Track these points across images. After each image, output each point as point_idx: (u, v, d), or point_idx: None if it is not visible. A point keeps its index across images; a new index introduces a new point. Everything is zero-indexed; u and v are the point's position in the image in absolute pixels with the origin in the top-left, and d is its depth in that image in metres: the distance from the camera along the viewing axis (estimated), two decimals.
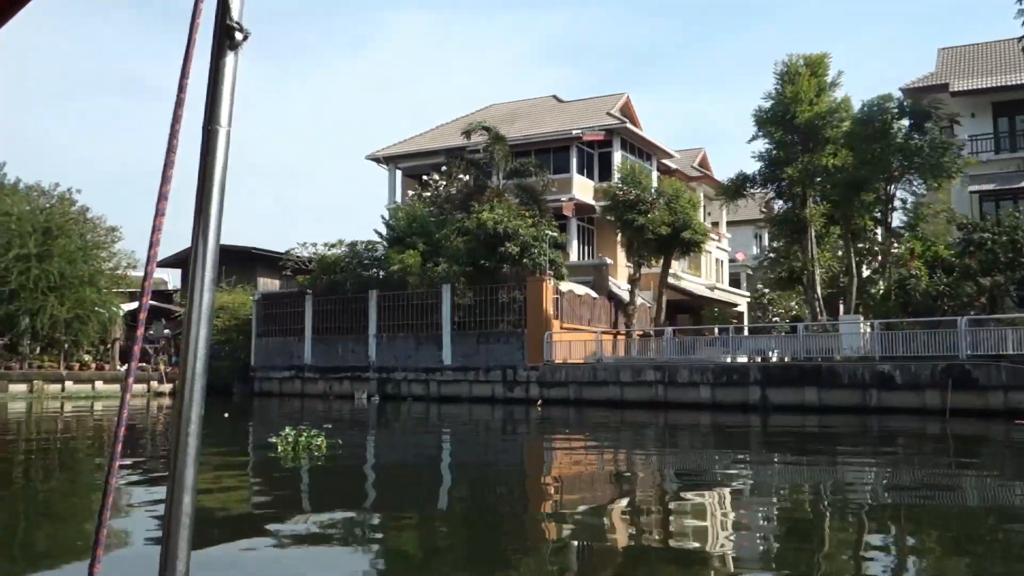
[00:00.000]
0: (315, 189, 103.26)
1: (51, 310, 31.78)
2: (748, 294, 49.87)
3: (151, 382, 35.31)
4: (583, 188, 37.25)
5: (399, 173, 43.36)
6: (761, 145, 27.31)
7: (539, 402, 26.69)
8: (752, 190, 28.58)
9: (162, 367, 35.84)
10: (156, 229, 1.52)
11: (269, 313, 36.39)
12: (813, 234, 27.18)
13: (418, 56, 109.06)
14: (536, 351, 28.15)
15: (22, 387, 31.29)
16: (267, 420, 23.70)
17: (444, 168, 36.51)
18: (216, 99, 1.60)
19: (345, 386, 33.14)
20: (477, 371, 29.50)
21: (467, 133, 33.91)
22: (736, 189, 28.53)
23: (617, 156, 38.09)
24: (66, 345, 33.11)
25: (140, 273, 36.99)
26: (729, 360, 25.68)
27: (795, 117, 25.61)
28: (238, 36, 1.60)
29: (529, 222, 29.84)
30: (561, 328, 28.92)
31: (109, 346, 35.02)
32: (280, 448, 12.90)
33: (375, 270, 33.90)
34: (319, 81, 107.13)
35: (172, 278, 53.02)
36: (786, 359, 24.36)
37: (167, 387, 35.52)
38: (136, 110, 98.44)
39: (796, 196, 26.51)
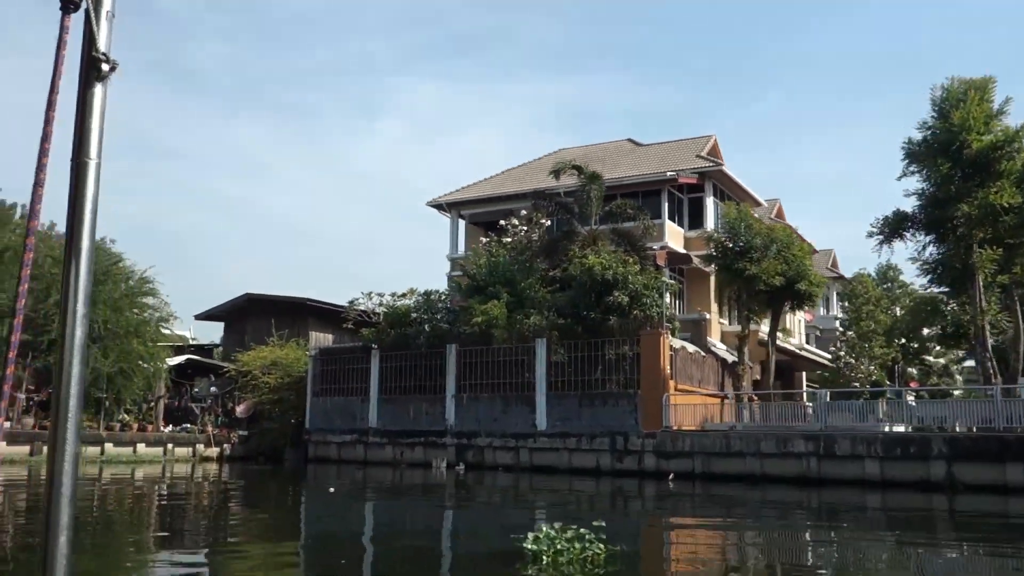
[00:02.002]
0: (336, 248, 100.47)
1: (93, 363, 28.33)
2: (829, 356, 46.33)
3: (197, 445, 31.67)
4: (674, 236, 33.99)
5: (462, 221, 40.22)
6: (915, 182, 24.06)
7: (671, 476, 23.00)
8: (909, 232, 25.09)
9: (209, 428, 32.23)
10: (25, 265, 1.71)
11: (328, 370, 32.89)
12: (981, 283, 23.71)
13: (430, 121, 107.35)
14: (653, 415, 24.53)
15: None
16: (388, 497, 20.02)
17: (523, 212, 33.36)
18: (85, 131, 1.64)
19: (417, 453, 29.46)
20: (579, 438, 25.83)
21: (556, 173, 30.80)
22: (894, 229, 25.09)
23: (709, 201, 34.93)
24: (107, 403, 29.59)
25: (170, 330, 33.75)
26: (889, 428, 22.04)
27: (964, 147, 22.38)
28: (104, 67, 1.63)
29: (636, 269, 26.50)
30: (676, 390, 25.36)
31: (152, 404, 31.47)
32: (537, 554, 8.87)
33: (452, 323, 30.45)
34: (335, 143, 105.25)
35: (207, 332, 49.66)
36: (973, 428, 20.71)
37: (214, 451, 31.87)
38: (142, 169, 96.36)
39: (961, 239, 23.08)
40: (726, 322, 35.35)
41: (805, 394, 23.70)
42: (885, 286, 62.62)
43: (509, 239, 31.93)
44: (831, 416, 23.52)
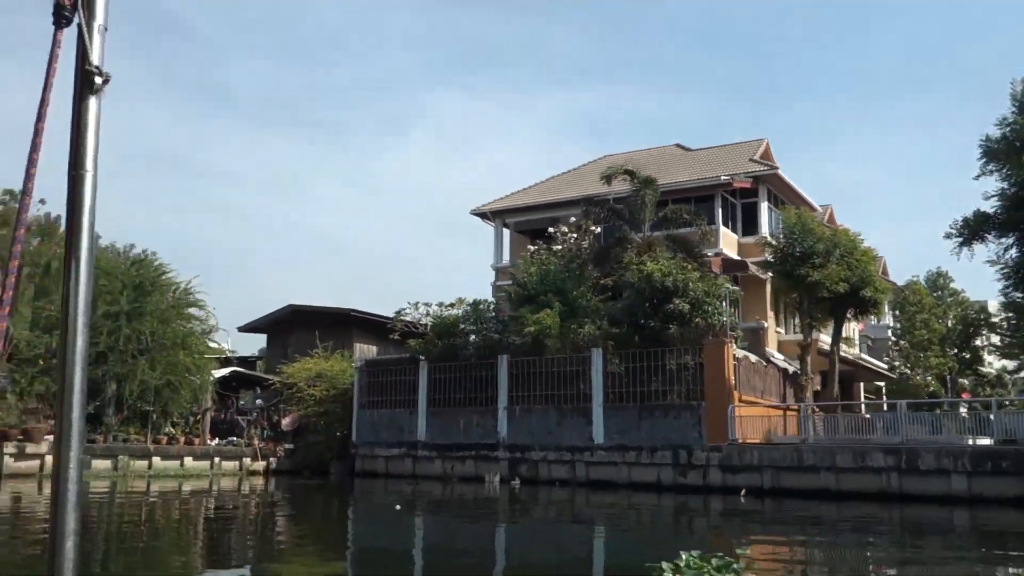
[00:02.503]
0: (367, 262, 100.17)
1: (141, 375, 27.89)
2: (884, 365, 45.02)
3: (243, 459, 31.10)
4: (728, 242, 33.03)
5: (506, 230, 39.49)
6: (994, 182, 22.97)
7: (742, 492, 21.99)
8: (989, 234, 23.97)
9: (256, 442, 31.66)
10: (11, 272, 1.76)
11: (374, 382, 32.21)
12: None
13: (458, 134, 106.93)
14: (717, 428, 23.56)
15: (106, 463, 27.21)
16: (457, 514, 19.22)
17: (572, 219, 32.56)
18: (80, 143, 1.65)
19: (468, 466, 28.66)
20: (639, 451, 24.90)
21: (607, 178, 29.98)
22: (974, 231, 23.97)
23: (764, 207, 33.92)
24: (154, 415, 29.11)
25: (216, 343, 33.22)
26: (973, 442, 20.92)
27: None
28: (98, 81, 1.65)
29: (695, 275, 25.57)
30: (740, 401, 24.37)
31: (199, 417, 30.96)
32: None
33: (501, 333, 29.66)
34: (365, 158, 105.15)
35: (247, 344, 49.35)
36: None
37: (261, 464, 31.29)
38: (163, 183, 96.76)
39: None
40: (782, 331, 34.28)
41: (903, 403, 22.52)
42: (936, 294, 61.07)
43: (559, 246, 31.12)
44: (903, 428, 22.40)
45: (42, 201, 46.24)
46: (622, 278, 27.85)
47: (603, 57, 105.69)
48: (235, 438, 32.06)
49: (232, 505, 20.66)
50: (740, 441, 23.55)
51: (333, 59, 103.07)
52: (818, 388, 31.19)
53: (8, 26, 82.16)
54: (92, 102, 1.66)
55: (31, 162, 1.58)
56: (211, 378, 31.17)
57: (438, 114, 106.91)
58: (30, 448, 25.59)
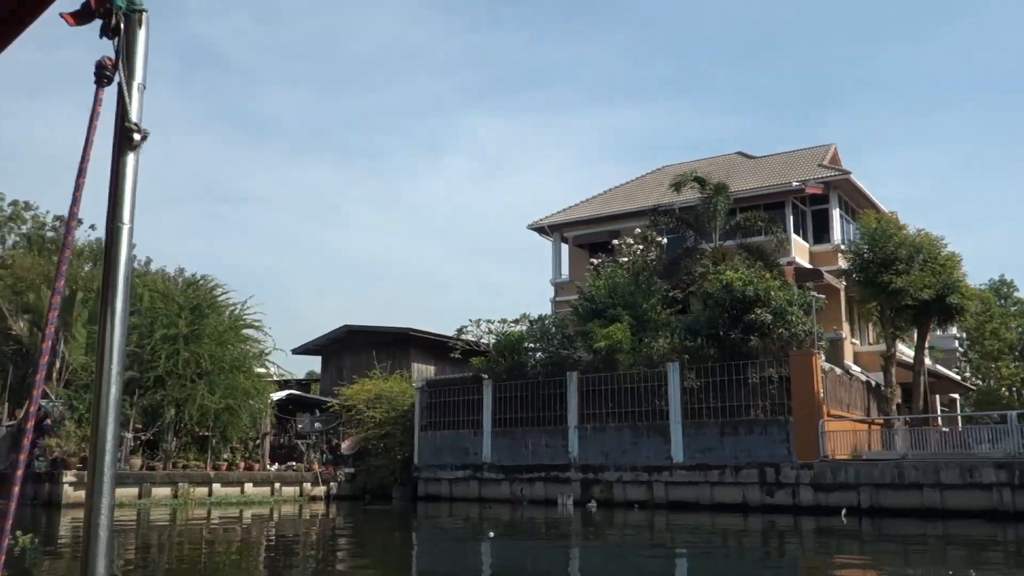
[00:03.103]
0: (408, 284, 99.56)
1: (201, 399, 27.18)
2: (957, 376, 43.22)
3: (303, 484, 30.25)
4: (800, 250, 31.68)
5: (564, 245, 38.46)
6: None
7: (843, 511, 20.65)
8: None
9: (315, 466, 30.80)
10: (51, 323, 1.87)
11: (436, 403, 31.26)
12: None
13: (496, 156, 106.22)
14: (807, 444, 22.24)
15: (166, 491, 26.50)
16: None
17: (637, 231, 31.47)
18: (118, 197, 1.67)
19: (537, 489, 27.55)
20: (721, 470, 23.65)
21: (676, 186, 28.88)
22: None
23: (835, 213, 32.56)
24: (213, 441, 28.38)
25: (275, 364, 32.39)
26: None
27: None
28: (136, 137, 1.69)
29: (776, 284, 24.35)
30: (828, 415, 23.03)
31: (258, 442, 30.18)
32: None
33: (568, 349, 28.58)
34: (402, 182, 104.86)
35: (297, 367, 48.81)
36: None
37: (321, 490, 30.41)
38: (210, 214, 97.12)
39: None
40: (857, 342, 32.82)
41: (1013, 415, 21.07)
42: (1000, 302, 59.02)
43: (625, 258, 30.02)
44: (1015, 440, 20.91)
45: (92, 227, 46.26)
46: (695, 289, 26.73)
47: (638, 75, 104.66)
48: (294, 463, 31.23)
49: (294, 532, 19.75)
50: (831, 458, 22.21)
51: (369, 85, 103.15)
52: (899, 401, 29.67)
53: (55, 61, 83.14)
54: (130, 158, 1.70)
55: (71, 215, 1.62)
56: (270, 401, 30.39)
57: (475, 137, 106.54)
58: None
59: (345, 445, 31.99)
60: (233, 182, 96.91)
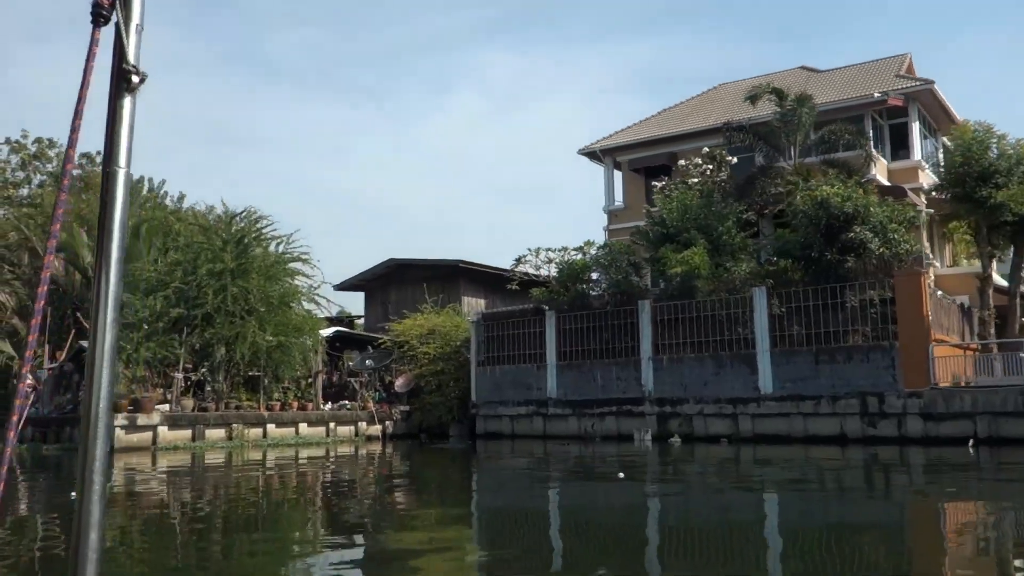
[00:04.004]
0: (421, 226, 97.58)
1: (252, 336, 25.69)
2: None
3: (359, 423, 28.91)
4: (879, 167, 29.56)
5: (618, 173, 36.44)
6: None
7: (970, 441, 19.02)
8: None
9: (370, 404, 29.41)
10: (46, 267, 1.68)
11: (493, 336, 29.69)
12: None
13: (506, 93, 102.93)
14: (916, 371, 20.52)
15: (220, 432, 25.17)
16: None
17: (705, 150, 29.44)
18: (114, 141, 1.64)
19: (608, 423, 26.08)
20: (816, 401, 22.02)
21: (752, 99, 26.80)
22: None
23: (915, 127, 30.36)
24: (265, 380, 26.98)
25: (326, 299, 30.71)
26: None
27: None
28: (134, 79, 1.64)
29: (875, 199, 22.41)
30: (934, 340, 21.26)
31: (311, 381, 28.78)
32: None
33: (638, 277, 26.86)
34: (412, 121, 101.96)
35: (345, 303, 47.35)
36: None
37: (377, 429, 29.08)
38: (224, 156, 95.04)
39: None
40: (937, 264, 30.87)
41: None
42: None
43: (696, 179, 28.05)
44: None
45: None
46: (771, 210, 24.85)
47: (650, 4, 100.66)
48: (347, 402, 29.87)
49: (353, 472, 18.28)
50: (940, 385, 20.52)
51: (376, 23, 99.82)
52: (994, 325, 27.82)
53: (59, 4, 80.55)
54: (127, 101, 1.64)
55: (68, 158, 1.59)
56: (321, 338, 28.91)
57: (486, 74, 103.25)
58: (141, 419, 23.63)
59: (399, 382, 30.58)
60: (244, 125, 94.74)
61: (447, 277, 34.76)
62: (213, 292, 25.39)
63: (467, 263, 34.21)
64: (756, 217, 27.36)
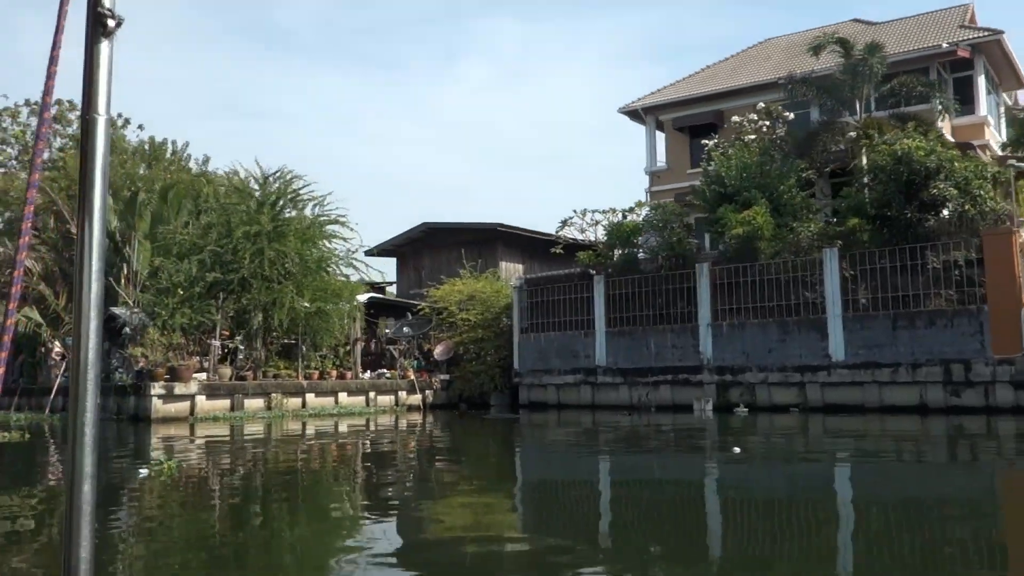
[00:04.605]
0: (434, 198, 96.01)
1: (290, 302, 24.54)
2: None
3: (399, 392, 27.83)
4: (944, 124, 28.06)
5: (660, 134, 35.01)
6: None
7: None
8: None
9: (410, 373, 28.31)
10: (27, 218, 1.63)
11: (537, 302, 28.49)
12: None
13: (515, 62, 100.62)
14: (1007, 337, 19.23)
15: (258, 402, 24.12)
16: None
17: (761, 105, 28.00)
18: (92, 87, 1.59)
19: (663, 393, 24.92)
20: (893, 368, 20.78)
21: (815, 50, 25.27)
22: None
23: (980, 81, 28.80)
24: (303, 348, 25.87)
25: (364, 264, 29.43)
26: None
27: None
28: (111, 23, 1.59)
29: (956, 154, 21.01)
30: None
31: (350, 348, 27.65)
32: None
33: (693, 238, 25.57)
34: (422, 91, 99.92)
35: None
36: None
37: (417, 398, 27.98)
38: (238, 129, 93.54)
39: None
40: None
41: None
42: None
43: (753, 136, 26.62)
44: None
45: (140, 127, 43.31)
46: (835, 167, 23.46)
47: None
48: (385, 371, 28.77)
49: (397, 445, 17.17)
50: None
51: None
52: None
53: None
54: (104, 46, 1.59)
55: (44, 106, 1.57)
56: (359, 304, 27.75)
57: (494, 42, 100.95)
58: (179, 388, 22.58)
59: (438, 350, 29.43)
60: (255, 97, 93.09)
61: (484, 241, 33.52)
62: (250, 256, 24.21)
63: (506, 226, 32.93)
64: (816, 176, 26.01)
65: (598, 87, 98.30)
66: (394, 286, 37.32)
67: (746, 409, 22.22)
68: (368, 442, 17.59)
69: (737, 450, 11.55)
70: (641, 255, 26.56)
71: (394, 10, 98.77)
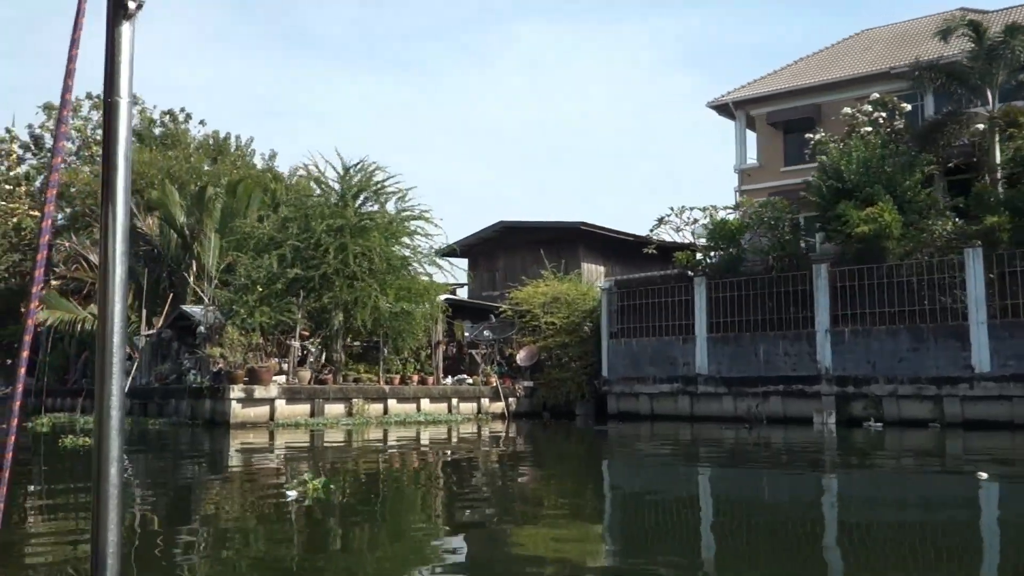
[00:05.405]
0: (470, 204, 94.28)
1: (374, 302, 22.97)
2: None
3: (481, 399, 26.16)
4: None
5: (750, 132, 33.11)
6: None
7: None
8: None
9: (493, 380, 26.61)
10: (49, 201, 1.62)
11: (628, 305, 26.68)
12: None
13: (546, 68, 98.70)
14: None
15: (339, 408, 22.55)
16: None
17: (875, 96, 26.02)
18: (114, 71, 1.59)
19: (773, 404, 22.99)
20: None
21: (943, 34, 23.25)
22: None
23: None
24: (385, 351, 24.28)
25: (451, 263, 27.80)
26: None
27: None
28: (131, 5, 1.58)
29: None
30: None
31: (431, 351, 26.01)
32: None
33: (805, 238, 23.64)
34: (456, 95, 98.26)
35: None
36: None
37: (499, 406, 26.27)
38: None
39: None
40: None
41: None
42: None
43: (869, 128, 24.62)
44: None
45: (202, 122, 42.21)
46: (963, 161, 21.43)
47: None
48: (466, 376, 27.10)
49: (481, 457, 15.45)
50: None
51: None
52: None
53: None
54: (126, 28, 1.59)
55: (65, 88, 1.52)
56: (442, 305, 26.13)
57: (529, 46, 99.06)
58: (258, 392, 21.08)
59: (521, 355, 27.70)
60: (285, 99, 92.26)
61: (565, 241, 31.79)
62: (333, 251, 22.68)
63: (589, 225, 31.17)
64: (938, 171, 24.01)
65: (632, 88, 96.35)
66: (464, 288, 35.71)
67: (879, 424, 20.19)
68: (479, 455, 15.88)
69: (983, 476, 9.62)
70: (752, 256, 24.66)
71: (428, 14, 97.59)
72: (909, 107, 25.58)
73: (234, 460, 14.44)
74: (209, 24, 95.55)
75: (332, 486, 8.18)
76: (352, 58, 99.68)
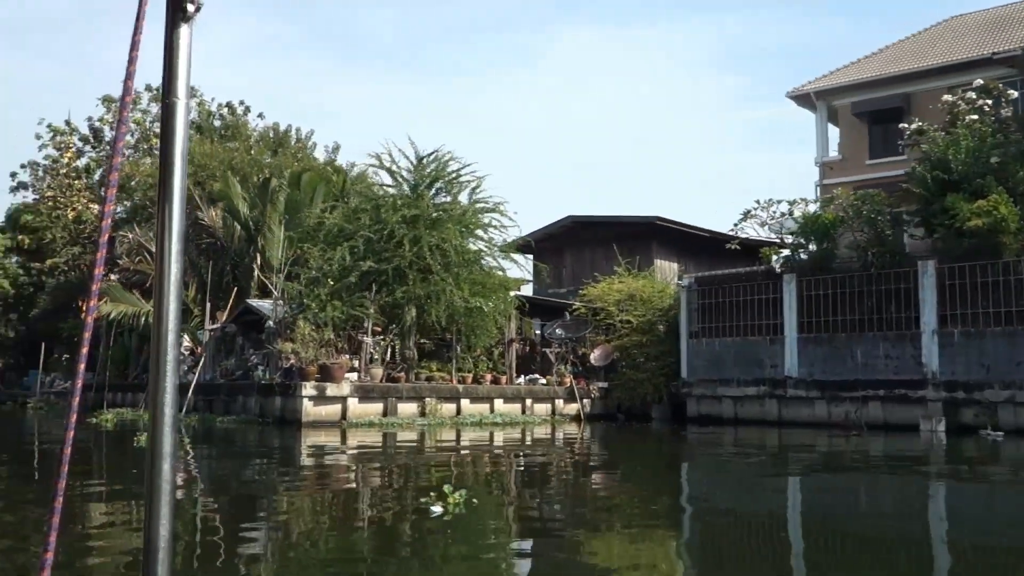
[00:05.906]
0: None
1: (449, 297, 21.93)
2: None
3: (555, 400, 25.01)
4: None
5: (831, 126, 31.57)
6: None
7: None
8: None
9: (567, 380, 25.44)
10: (109, 201, 1.53)
11: (710, 303, 25.33)
12: None
13: (588, 70, 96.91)
14: None
15: (412, 407, 21.53)
16: None
17: (978, 82, 24.45)
18: (172, 72, 1.57)
19: (872, 410, 21.52)
20: None
21: None
22: None
23: None
24: (458, 348, 23.24)
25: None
26: None
27: None
28: (190, 8, 1.56)
29: None
30: None
31: (505, 349, 24.93)
32: None
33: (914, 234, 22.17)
34: (496, 98, 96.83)
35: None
36: None
37: (573, 407, 25.09)
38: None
39: None
40: None
41: None
42: None
43: (975, 116, 23.05)
44: None
45: (260, 115, 41.62)
46: None
47: None
48: (539, 376, 25.97)
49: (558, 460, 14.25)
50: None
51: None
52: None
53: None
54: (184, 30, 1.56)
55: (126, 90, 1.50)
56: (516, 302, 25.03)
57: (568, 49, 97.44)
58: (331, 390, 20.12)
59: (596, 355, 26.50)
60: (330, 102, 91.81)
61: (637, 237, 30.49)
62: (408, 243, 21.68)
63: (664, 220, 29.86)
64: None
65: (672, 88, 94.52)
66: (529, 284, 34.57)
67: (1000, 433, 18.66)
68: (532, 460, 14.71)
69: None
70: (848, 252, 23.23)
71: (470, 16, 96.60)
72: (1016, 94, 23.96)
73: (343, 469, 13.38)
74: (252, 23, 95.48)
75: (475, 500, 7.07)
76: (399, 61, 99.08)
